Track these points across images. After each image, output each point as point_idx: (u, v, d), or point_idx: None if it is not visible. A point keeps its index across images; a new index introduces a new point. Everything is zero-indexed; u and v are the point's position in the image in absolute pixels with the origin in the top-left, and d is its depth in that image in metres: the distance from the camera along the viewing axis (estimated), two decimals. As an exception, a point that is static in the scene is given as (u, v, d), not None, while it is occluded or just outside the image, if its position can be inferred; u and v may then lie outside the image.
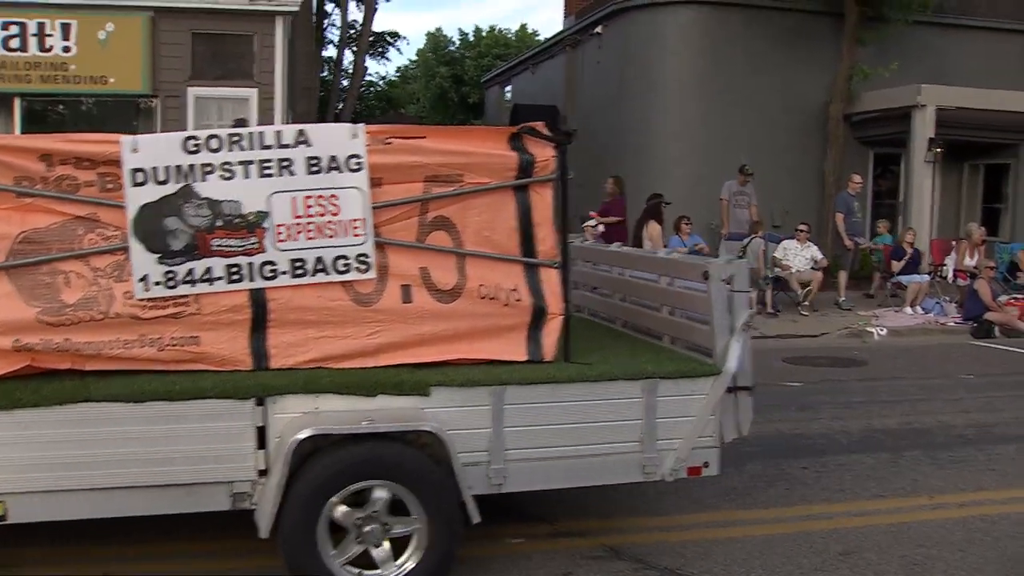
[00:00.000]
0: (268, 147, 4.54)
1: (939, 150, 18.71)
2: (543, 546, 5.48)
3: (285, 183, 4.54)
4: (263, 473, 4.39)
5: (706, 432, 5.02)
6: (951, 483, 6.89)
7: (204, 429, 4.33)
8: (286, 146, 4.56)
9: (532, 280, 4.90)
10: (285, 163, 4.54)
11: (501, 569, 5.11)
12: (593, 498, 6.19)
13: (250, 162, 4.51)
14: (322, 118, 28.65)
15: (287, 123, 16.31)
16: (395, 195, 4.73)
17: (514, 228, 4.87)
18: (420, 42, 54.01)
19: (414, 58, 55.86)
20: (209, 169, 4.46)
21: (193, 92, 15.47)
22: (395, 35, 40.41)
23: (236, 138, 4.52)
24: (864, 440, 8.04)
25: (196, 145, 4.47)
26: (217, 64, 15.77)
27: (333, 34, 33.50)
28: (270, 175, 4.53)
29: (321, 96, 29.41)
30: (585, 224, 14.86)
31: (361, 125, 4.71)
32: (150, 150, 4.46)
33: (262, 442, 4.40)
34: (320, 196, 4.58)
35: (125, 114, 15.76)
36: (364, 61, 30.52)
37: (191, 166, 4.45)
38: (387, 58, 57.11)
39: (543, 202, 4.89)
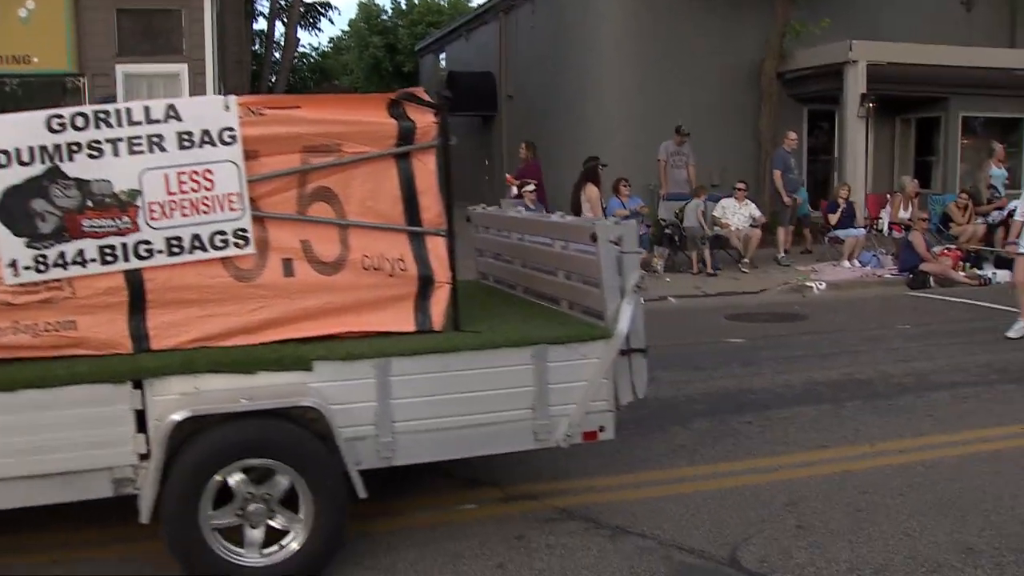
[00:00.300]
0: (137, 123, 4.41)
1: (871, 105, 18.94)
2: (496, 511, 5.52)
3: (157, 160, 4.42)
4: (144, 457, 4.28)
5: (600, 396, 5.01)
6: (891, 431, 7.04)
7: (82, 415, 4.21)
8: (156, 121, 4.44)
9: (418, 249, 4.86)
10: (155, 139, 4.42)
11: (455, 535, 5.12)
12: (543, 461, 6.25)
13: (119, 139, 4.38)
14: (255, 91, 28.28)
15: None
16: (272, 167, 4.65)
17: (397, 197, 4.81)
18: (352, 12, 53.36)
19: (347, 28, 55.28)
20: (76, 148, 4.33)
21: (121, 69, 15.11)
22: (326, 5, 39.82)
23: (103, 115, 4.39)
24: (806, 393, 8.17)
25: (61, 124, 4.33)
26: (145, 40, 15.44)
27: (263, 6, 32.97)
28: (141, 152, 4.40)
29: (254, 70, 29.00)
30: (524, 189, 14.85)
31: (232, 96, 4.61)
32: (11, 131, 4.32)
33: (142, 426, 4.29)
34: (194, 171, 4.47)
35: (51, 94, 15.36)
36: (295, 33, 30.10)
37: (56, 146, 4.31)
38: (319, 29, 56.41)
39: (426, 169, 4.84)
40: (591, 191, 12.09)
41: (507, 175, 14.93)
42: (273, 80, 29.26)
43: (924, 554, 4.87)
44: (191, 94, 15.38)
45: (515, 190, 14.79)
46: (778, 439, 6.82)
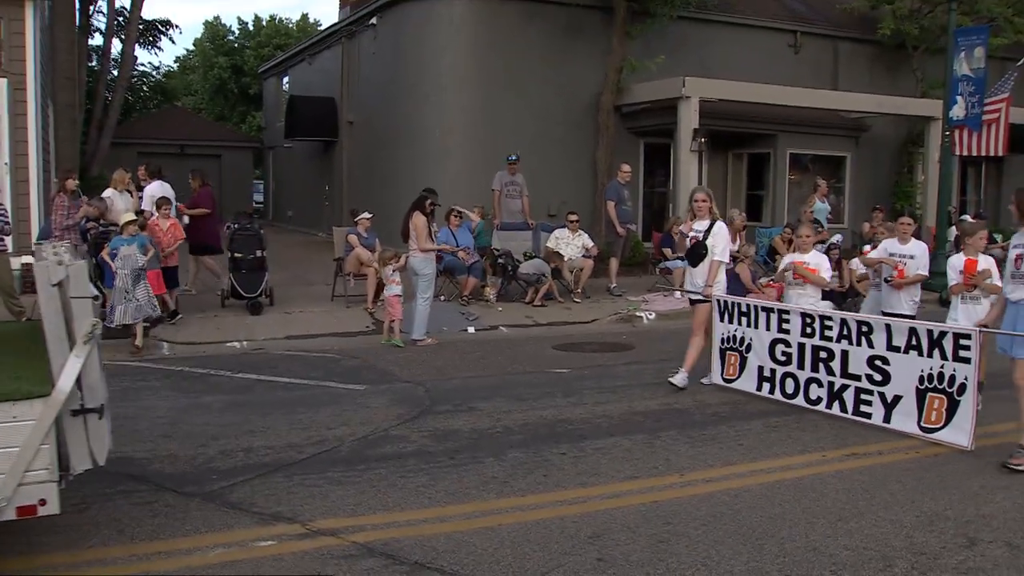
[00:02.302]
0: None
1: (703, 140, 19.47)
2: (294, 547, 5.33)
3: None
4: None
5: (38, 464, 4.41)
6: (701, 460, 7.15)
7: None
8: None
9: None
10: None
11: (248, 573, 4.92)
12: (344, 496, 6.14)
13: None
14: (90, 110, 27.29)
15: (45, 114, 15.40)
16: None
17: None
18: (198, 31, 52.17)
19: (192, 48, 54.05)
20: None
21: (-67, 82, 14.32)
22: (167, 23, 38.78)
23: None
24: (624, 423, 8.24)
25: None
26: (-41, 51, 14.66)
27: (100, 22, 31.90)
28: None
29: (90, 86, 27.97)
30: (359, 217, 14.70)
31: None
32: None
33: None
34: None
35: None
36: (133, 50, 29.22)
37: None
38: (159, 47, 54.93)
39: None
40: (418, 220, 12.06)
41: (179, 205, 14.79)
42: (109, 98, 28.32)
43: (719, 584, 4.92)
44: (10, 111, 14.71)
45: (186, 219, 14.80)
46: (590, 470, 6.83)
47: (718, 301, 9.64)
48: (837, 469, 6.97)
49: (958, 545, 5.56)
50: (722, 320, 9.63)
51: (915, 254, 9.94)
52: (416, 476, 6.64)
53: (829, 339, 8.50)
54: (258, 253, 13.92)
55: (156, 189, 13.45)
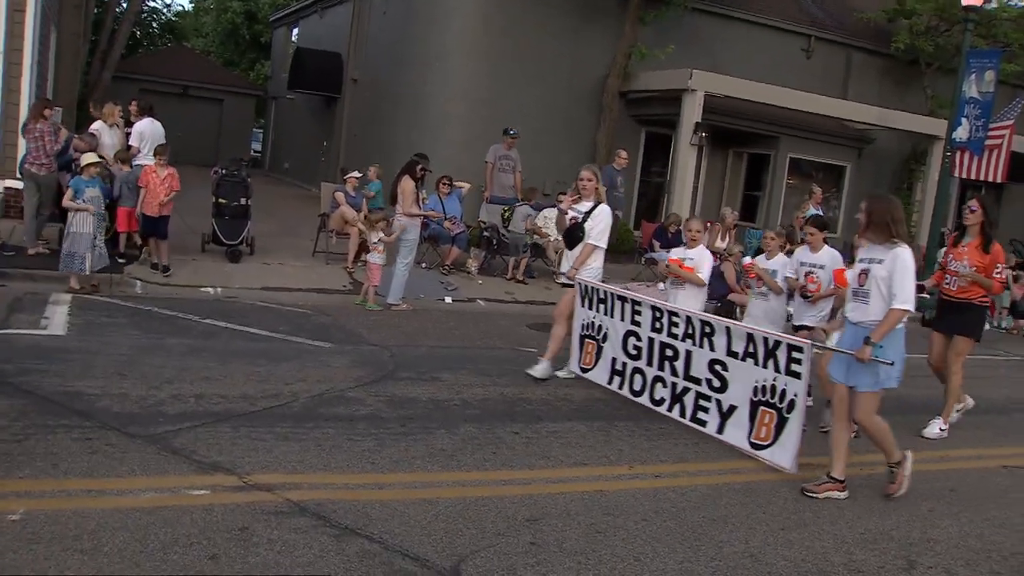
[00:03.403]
0: None
1: (704, 134, 19.36)
2: (227, 499, 5.24)
3: None
4: None
5: None
6: (654, 454, 7.09)
7: None
8: None
9: None
10: None
11: (175, 521, 4.83)
12: (287, 452, 6.07)
13: None
14: (95, 39, 27.01)
15: (46, 41, 15.20)
16: None
17: None
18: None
19: (208, -13, 53.51)
20: None
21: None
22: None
23: None
24: (584, 408, 8.18)
25: None
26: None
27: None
28: None
29: (98, 16, 27.70)
30: (348, 176, 14.59)
31: None
32: None
33: None
34: None
35: None
36: (144, -19, 28.94)
37: None
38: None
39: None
40: (406, 184, 11.93)
41: None
42: (115, 30, 28.02)
43: (649, 580, 4.85)
44: (8, 32, 14.53)
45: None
46: (539, 452, 6.76)
47: (580, 286, 9.03)
48: (788, 477, 6.89)
49: (897, 567, 5.50)
50: (583, 305, 9.05)
51: (825, 263, 8.71)
52: (364, 440, 6.56)
53: (675, 336, 7.92)
54: (242, 201, 13.77)
55: (146, 126, 13.24)
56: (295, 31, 32.98)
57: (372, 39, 24.03)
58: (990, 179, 18.10)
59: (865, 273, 6.49)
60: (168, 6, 51.41)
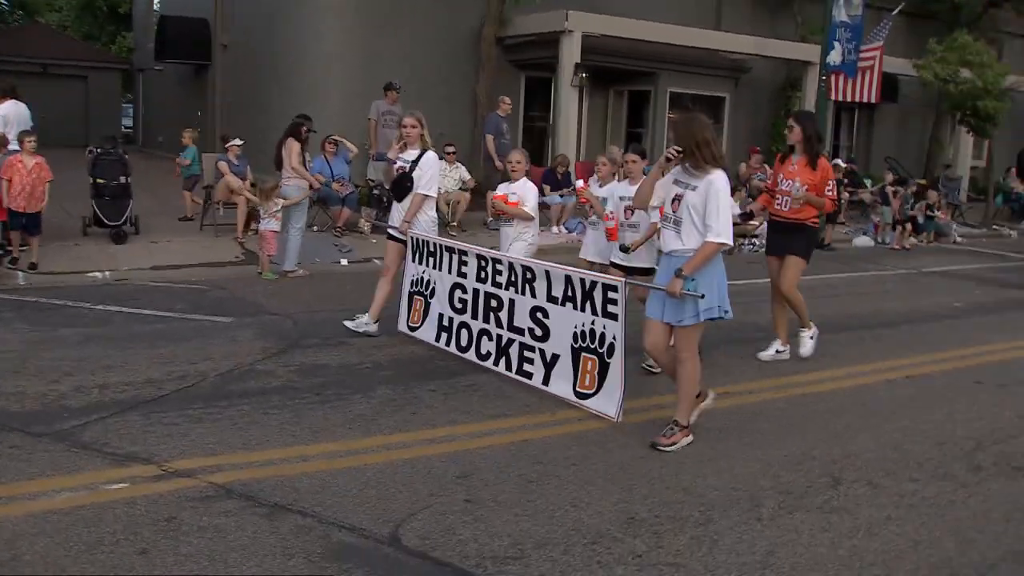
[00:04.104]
0: None
1: (584, 75, 19.33)
2: (148, 490, 5.05)
3: None
4: None
5: None
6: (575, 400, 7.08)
7: None
8: None
9: None
10: None
11: (97, 520, 4.62)
12: (203, 434, 5.89)
13: None
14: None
15: None
16: None
17: None
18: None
19: (54, -41, 51.18)
20: None
21: None
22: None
23: None
24: (498, 360, 8.12)
25: None
26: None
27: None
28: None
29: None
30: (230, 144, 14.18)
31: None
32: None
33: None
34: None
35: None
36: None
37: None
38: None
39: None
40: (293, 146, 11.66)
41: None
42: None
43: (588, 524, 4.85)
44: None
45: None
46: (460, 408, 6.70)
47: (412, 240, 8.56)
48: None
49: (823, 484, 5.64)
50: (413, 260, 8.58)
51: None
52: (280, 413, 6.42)
53: (499, 285, 7.41)
54: (122, 179, 13.23)
55: (10, 109, 12.54)
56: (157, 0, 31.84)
57: (240, 2, 23.28)
58: (865, 100, 18.62)
59: (678, 200, 5.98)
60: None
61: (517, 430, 6.29)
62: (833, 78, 18.24)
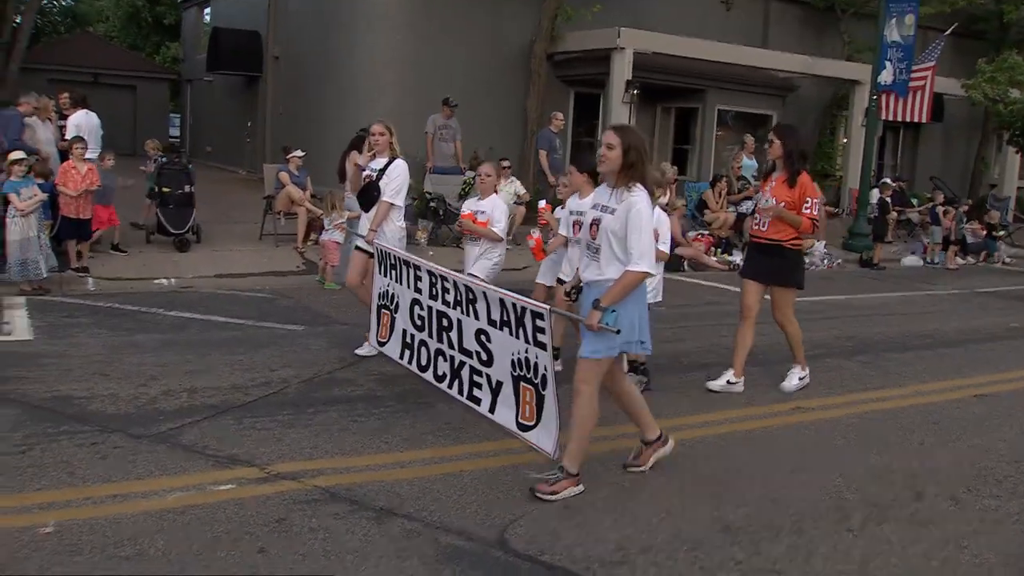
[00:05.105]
0: None
1: (635, 92, 19.47)
2: (255, 492, 5.21)
3: None
4: None
5: None
6: (652, 410, 7.16)
7: None
8: None
9: None
10: None
11: (211, 519, 4.79)
12: (298, 439, 6.05)
13: None
14: (-2, 31, 26.13)
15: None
16: None
17: None
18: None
19: (102, -28, 51.92)
20: None
21: None
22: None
23: None
24: (567, 373, 8.21)
25: None
26: None
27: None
28: None
29: (-5, 8, 26.75)
30: (291, 155, 14.42)
31: None
32: None
33: None
34: None
35: None
36: (45, -29, 28.03)
37: None
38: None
39: None
40: (355, 159, 11.86)
41: None
42: (18, 21, 27.13)
43: (686, 532, 4.97)
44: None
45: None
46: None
47: (377, 251, 7.97)
48: (785, 423, 7.10)
49: (907, 498, 5.72)
50: (379, 272, 7.95)
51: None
52: (368, 420, 6.57)
53: (448, 304, 6.73)
54: (187, 188, 13.52)
55: (82, 119, 12.86)
56: (207, 11, 32.25)
57: (292, 15, 23.61)
58: (915, 119, 18.69)
59: (596, 224, 5.43)
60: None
61: (603, 440, 6.38)
62: (884, 97, 18.29)
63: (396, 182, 8.23)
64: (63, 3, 46.89)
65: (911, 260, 18.83)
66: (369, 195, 8.26)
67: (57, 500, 4.97)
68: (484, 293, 6.20)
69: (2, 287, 10.48)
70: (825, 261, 17.39)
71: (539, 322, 5.54)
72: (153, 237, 13.60)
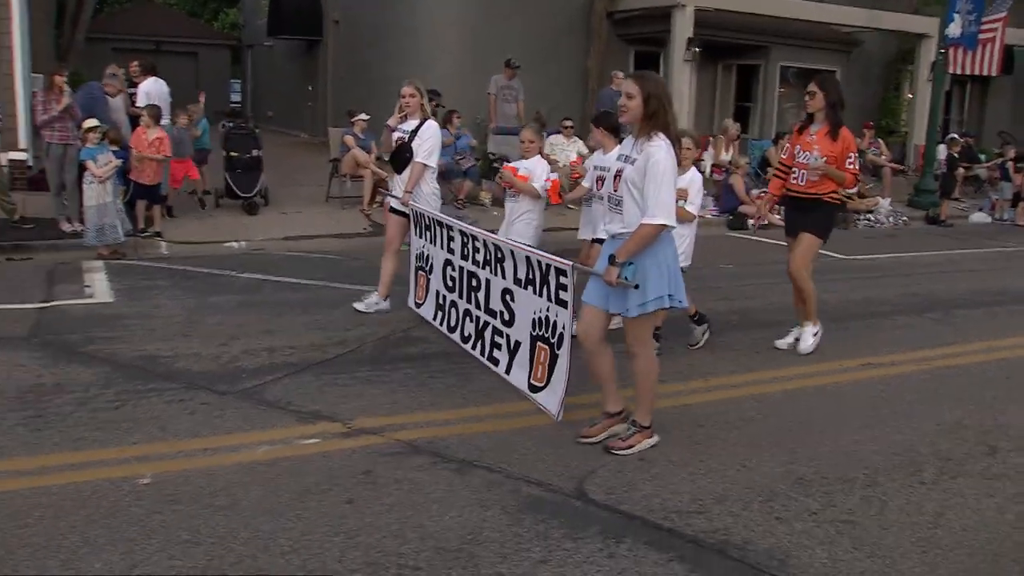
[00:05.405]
0: None
1: (697, 50, 19.33)
2: (340, 445, 5.39)
3: None
4: None
5: None
6: (722, 367, 7.29)
7: None
8: None
9: None
10: None
11: (299, 471, 4.97)
12: (377, 395, 6.23)
13: None
14: (63, 2, 26.51)
15: (24, 5, 14.93)
16: None
17: None
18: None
19: (161, -61, 52.31)
20: None
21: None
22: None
23: None
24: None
25: None
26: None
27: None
28: None
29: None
30: (356, 118, 14.55)
31: None
32: None
33: None
34: None
35: None
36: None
37: None
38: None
39: None
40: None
41: None
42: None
43: (760, 483, 5.05)
44: (-6, 1, 14.33)
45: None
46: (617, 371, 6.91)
47: (413, 213, 8.13)
48: (855, 378, 7.13)
49: (980, 452, 5.74)
50: (416, 234, 8.13)
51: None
52: (445, 377, 6.72)
53: (478, 264, 6.77)
54: (254, 153, 13.77)
55: (151, 86, 13.11)
56: (266, -24, 32.48)
57: (351, -24, 23.76)
58: (985, 73, 18.35)
59: (619, 175, 5.31)
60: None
61: (674, 395, 6.48)
62: (952, 51, 17.96)
63: (428, 143, 8.18)
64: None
65: (979, 216, 18.54)
66: (401, 157, 8.24)
67: (151, 453, 5.19)
68: (512, 251, 6.23)
69: (81, 251, 10.78)
70: (891, 219, 17.22)
71: (562, 279, 5.54)
72: (222, 201, 13.87)
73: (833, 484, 5.10)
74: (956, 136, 19.87)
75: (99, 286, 9.46)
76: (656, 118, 5.12)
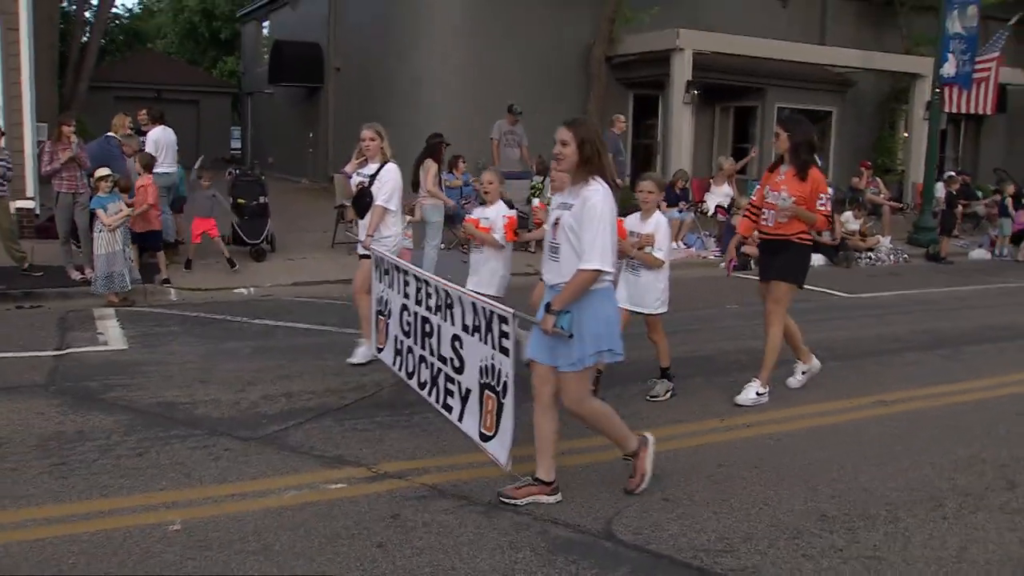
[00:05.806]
0: None
1: (696, 92, 19.55)
2: (366, 490, 5.44)
3: None
4: None
5: None
6: (736, 406, 7.33)
7: None
8: None
9: None
10: None
11: (328, 515, 5.02)
12: (398, 439, 6.29)
13: None
14: (66, 50, 26.84)
15: (32, 56, 15.12)
16: None
17: None
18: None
19: (158, -11, 53.04)
20: None
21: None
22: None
23: None
24: (651, 370, 8.35)
25: None
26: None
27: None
28: None
29: (62, 28, 27.50)
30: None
31: None
32: None
33: None
34: None
35: None
36: (110, -10, 28.74)
37: None
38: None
39: None
40: (431, 166, 12.07)
41: None
42: (85, 41, 27.87)
43: (784, 521, 5.11)
44: (3, 51, 14.52)
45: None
46: (634, 414, 6.96)
47: (374, 256, 7.80)
48: (869, 415, 7.20)
49: (1000, 487, 5.80)
50: (376, 279, 7.77)
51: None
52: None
53: (431, 309, 6.50)
54: (261, 199, 13.90)
55: (160, 134, 13.28)
56: (265, 25, 32.83)
57: (351, 25, 24.02)
58: (980, 111, 18.58)
59: (557, 222, 5.16)
60: (130, 11, 50.68)
61: (692, 435, 6.55)
62: (947, 90, 18.19)
63: (388, 186, 8.11)
64: (122, 22, 47.88)
65: (979, 253, 18.68)
66: (362, 202, 8.19)
67: (179, 499, 5.23)
68: (459, 297, 6.04)
69: (90, 299, 10.85)
70: (892, 256, 17.35)
71: (503, 326, 5.28)
72: (228, 247, 13.94)
73: (856, 521, 5.16)
74: (954, 174, 20.06)
75: (112, 333, 9.52)
76: (591, 163, 5.08)
